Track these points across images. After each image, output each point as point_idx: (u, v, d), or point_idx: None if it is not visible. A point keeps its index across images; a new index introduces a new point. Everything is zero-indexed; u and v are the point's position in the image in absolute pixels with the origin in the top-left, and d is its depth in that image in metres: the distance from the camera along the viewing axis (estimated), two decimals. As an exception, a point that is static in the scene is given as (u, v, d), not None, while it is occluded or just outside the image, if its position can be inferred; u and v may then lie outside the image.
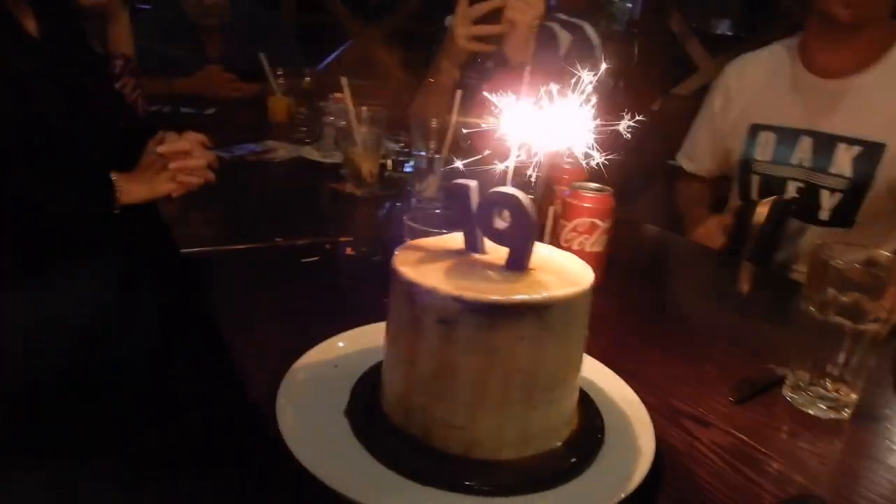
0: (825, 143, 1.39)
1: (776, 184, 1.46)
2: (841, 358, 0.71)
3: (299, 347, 0.69)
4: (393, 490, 0.53)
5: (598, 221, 0.95)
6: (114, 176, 1.17)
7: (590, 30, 1.88)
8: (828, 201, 1.39)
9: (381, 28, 3.94)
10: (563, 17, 1.89)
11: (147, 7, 2.91)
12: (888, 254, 0.74)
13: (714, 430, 0.68)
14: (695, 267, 1.33)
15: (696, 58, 4.33)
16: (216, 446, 0.74)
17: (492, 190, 0.57)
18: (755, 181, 1.51)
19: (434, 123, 1.33)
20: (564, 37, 1.85)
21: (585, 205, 0.94)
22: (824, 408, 0.73)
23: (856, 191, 1.36)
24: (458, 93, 1.31)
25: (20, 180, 1.12)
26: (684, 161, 1.73)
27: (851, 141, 1.36)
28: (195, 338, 0.87)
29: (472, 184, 0.60)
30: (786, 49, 1.50)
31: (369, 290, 0.94)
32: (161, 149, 1.22)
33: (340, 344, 0.72)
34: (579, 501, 0.54)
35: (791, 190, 1.44)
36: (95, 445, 0.84)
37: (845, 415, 0.73)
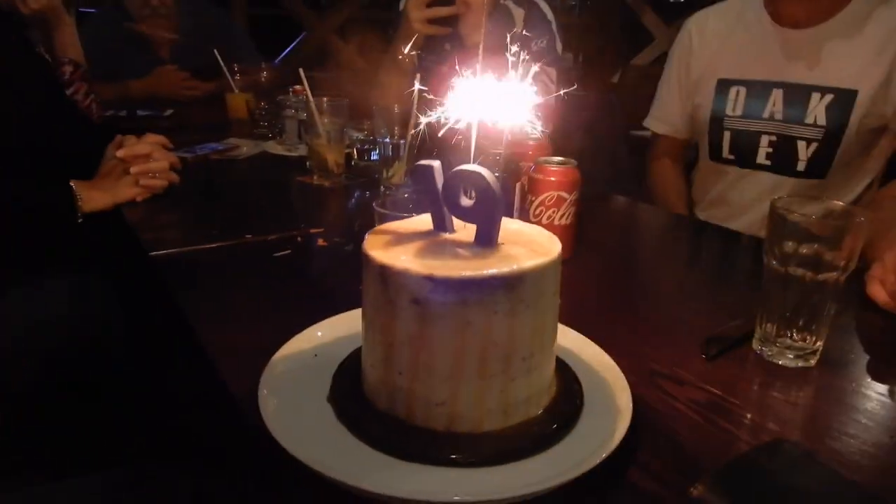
0: (797, 94, 1.38)
1: (749, 139, 1.45)
2: (804, 308, 0.74)
3: (278, 340, 0.70)
4: (381, 469, 0.54)
5: (564, 194, 0.96)
6: (74, 184, 1.15)
7: (543, 5, 1.89)
8: (804, 152, 1.39)
9: (336, 18, 3.89)
10: None
11: (92, 10, 2.84)
12: (843, 204, 0.76)
13: (689, 387, 0.71)
14: (661, 232, 1.36)
15: (651, 27, 4.37)
16: (203, 444, 0.74)
17: (456, 168, 0.58)
18: (727, 137, 1.49)
19: (396, 109, 1.33)
20: (518, 13, 1.85)
21: (551, 178, 0.95)
22: (792, 357, 0.75)
23: (830, 139, 1.36)
24: (418, 76, 1.31)
25: None
26: (654, 123, 1.70)
27: (824, 90, 1.35)
28: (171, 340, 0.87)
29: (436, 163, 0.60)
30: (748, 2, 1.48)
31: (344, 280, 0.95)
32: (121, 153, 1.20)
33: (318, 333, 0.73)
34: (563, 465, 0.55)
35: (764, 143, 1.43)
36: (85, 450, 0.84)
37: (812, 362, 0.75)
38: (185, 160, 1.36)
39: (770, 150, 1.43)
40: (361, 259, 0.59)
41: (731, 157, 1.50)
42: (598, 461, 0.54)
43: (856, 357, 0.79)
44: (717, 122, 1.51)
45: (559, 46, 1.87)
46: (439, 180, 0.60)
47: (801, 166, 1.41)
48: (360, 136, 1.54)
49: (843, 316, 0.84)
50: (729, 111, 1.48)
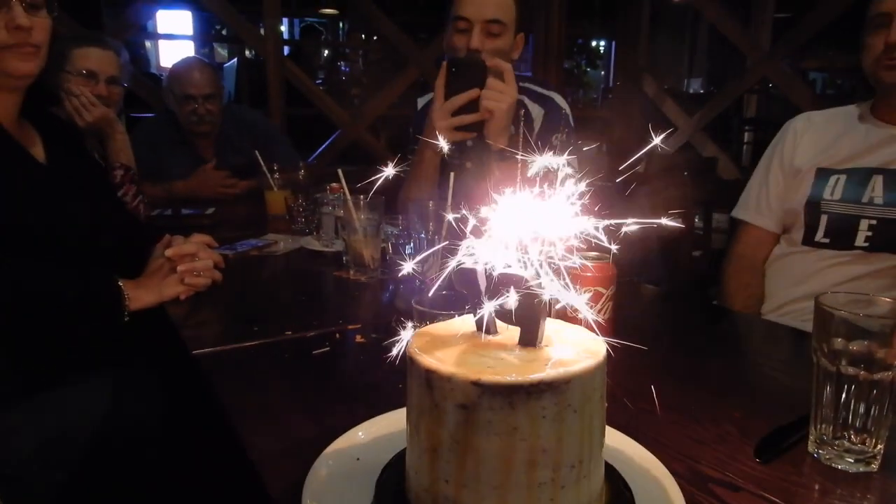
0: None
1: (848, 222, 1.48)
2: (861, 408, 0.71)
3: (320, 440, 0.69)
4: (428, 586, 0.52)
5: (601, 289, 0.96)
6: (121, 283, 1.19)
7: (558, 98, 1.94)
8: None
9: (368, 115, 4.08)
10: (533, 87, 1.95)
11: (147, 115, 3.03)
12: (890, 300, 0.75)
13: (744, 493, 0.67)
14: (699, 324, 1.34)
15: (672, 117, 4.48)
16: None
17: (500, 272, 0.59)
18: (824, 220, 1.51)
19: (431, 206, 1.36)
20: (537, 111, 1.90)
21: (587, 274, 0.96)
22: (851, 461, 0.72)
23: None
24: (452, 175, 1.36)
25: (33, 294, 1.13)
26: (745, 213, 1.71)
27: None
28: (213, 439, 0.87)
29: (479, 266, 0.62)
30: (856, 108, 1.58)
31: (383, 377, 0.95)
32: (168, 252, 1.25)
33: (360, 434, 0.72)
34: (618, 581, 0.53)
35: (863, 227, 1.46)
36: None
37: (874, 466, 0.72)
38: (226, 257, 1.40)
39: (869, 233, 1.45)
40: (407, 361, 0.59)
41: (826, 240, 1.51)
42: (655, 578, 0.52)
43: (919, 459, 0.75)
44: (814, 205, 1.53)
45: (581, 141, 1.93)
46: (482, 283, 0.61)
47: None
48: (395, 230, 1.58)
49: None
50: (827, 195, 1.51)
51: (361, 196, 1.48)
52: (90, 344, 1.20)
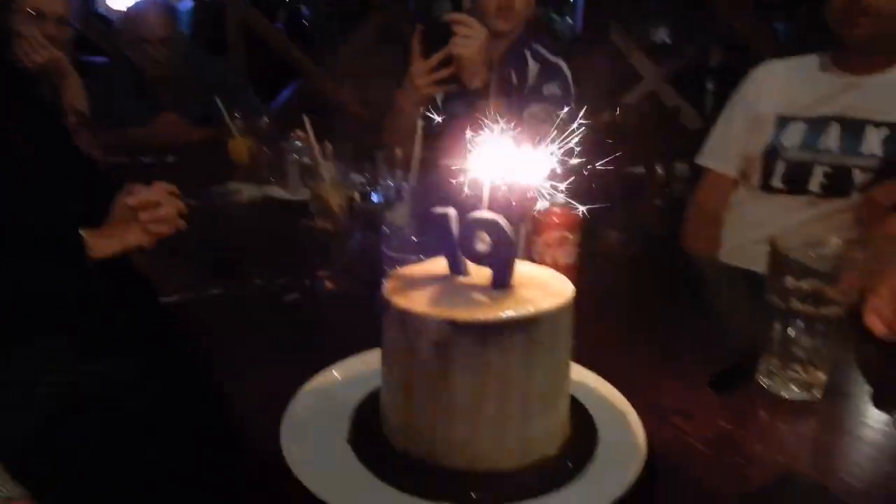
0: (854, 128, 1.48)
1: (803, 168, 1.53)
2: (806, 342, 0.76)
3: (294, 383, 0.71)
4: (404, 511, 0.55)
5: (567, 234, 0.99)
6: (83, 232, 1.17)
7: (563, 64, 2.00)
8: (860, 179, 1.46)
9: (333, 64, 3.98)
10: (541, 50, 2.01)
11: (99, 60, 2.90)
12: (839, 241, 0.79)
13: (699, 421, 0.72)
14: (660, 268, 1.39)
15: (640, 67, 4.48)
16: (228, 492, 0.74)
17: (471, 216, 0.61)
18: (781, 166, 1.57)
19: (399, 153, 1.36)
20: (532, 65, 1.96)
21: (555, 220, 0.98)
22: (796, 390, 0.77)
23: (886, 169, 1.43)
24: (420, 124, 1.35)
25: None
26: (709, 160, 1.75)
27: (878, 124, 1.46)
28: (189, 385, 0.88)
29: (451, 211, 0.63)
30: (818, 57, 1.61)
31: (354, 321, 0.96)
32: (131, 201, 1.22)
33: (336, 374, 0.74)
34: (581, 503, 0.57)
35: (818, 173, 1.51)
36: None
37: (817, 395, 0.77)
38: (189, 205, 1.38)
39: (823, 179, 1.51)
40: (381, 304, 0.61)
41: (782, 185, 1.56)
42: (614, 499, 0.56)
43: (858, 389, 0.81)
44: (772, 152, 1.58)
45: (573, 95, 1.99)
46: (455, 227, 0.63)
47: (855, 194, 1.47)
48: (362, 179, 1.58)
49: (845, 348, 0.86)
50: (786, 142, 1.57)
51: (328, 143, 1.46)
52: (54, 297, 1.18)
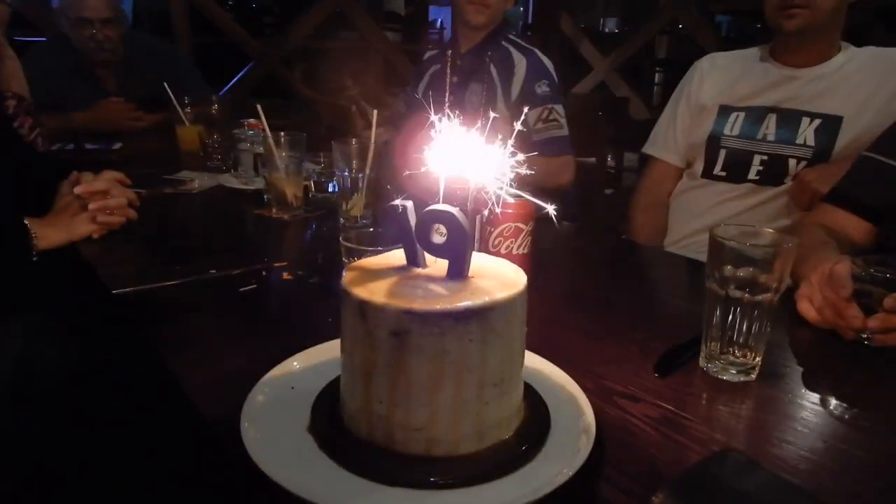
0: (789, 118, 1.56)
1: (743, 156, 1.60)
2: (744, 327, 0.81)
3: (252, 374, 0.72)
4: (364, 494, 0.57)
5: (521, 225, 1.02)
6: (28, 221, 1.14)
7: (542, 55, 2.06)
8: (795, 168, 1.54)
9: (282, 47, 3.91)
10: (517, 40, 2.08)
11: (38, 40, 2.78)
12: (773, 232, 0.84)
13: (644, 403, 0.76)
14: (608, 257, 1.44)
15: (589, 57, 4.56)
16: (186, 483, 0.75)
17: (428, 208, 0.62)
18: (722, 155, 1.64)
19: (354, 143, 1.36)
20: (519, 58, 2.02)
21: (508, 211, 1.01)
22: (735, 372, 0.82)
23: (819, 158, 1.51)
24: (374, 112, 1.36)
25: None
26: (655, 149, 1.82)
27: (812, 115, 1.53)
28: (144, 379, 0.87)
29: (409, 203, 0.65)
30: (757, 50, 1.69)
31: (311, 311, 0.97)
32: (78, 189, 1.19)
33: (295, 364, 0.75)
34: (532, 484, 0.59)
35: (756, 162, 1.58)
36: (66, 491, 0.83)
37: (753, 377, 0.82)
38: (140, 195, 1.35)
39: (761, 167, 1.58)
40: (341, 293, 0.62)
41: (723, 173, 1.62)
42: (566, 478, 0.59)
43: (791, 370, 0.87)
44: (714, 140, 1.65)
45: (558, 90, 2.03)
46: (412, 219, 0.64)
47: (789, 181, 1.54)
48: (317, 168, 1.57)
49: (778, 332, 0.91)
50: (727, 131, 1.63)
51: (282, 133, 1.46)
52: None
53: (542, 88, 1.99)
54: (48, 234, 1.15)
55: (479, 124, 0.65)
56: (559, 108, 2.01)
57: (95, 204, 1.20)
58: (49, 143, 1.85)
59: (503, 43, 2.04)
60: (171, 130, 2.03)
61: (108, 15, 2.33)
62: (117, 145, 2.06)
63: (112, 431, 0.92)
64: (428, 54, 2.30)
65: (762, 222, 1.52)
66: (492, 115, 0.68)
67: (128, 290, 0.99)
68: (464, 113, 0.69)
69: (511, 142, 0.65)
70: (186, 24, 3.56)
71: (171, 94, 1.99)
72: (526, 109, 1.21)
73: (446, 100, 2.01)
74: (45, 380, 1.07)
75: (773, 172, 1.56)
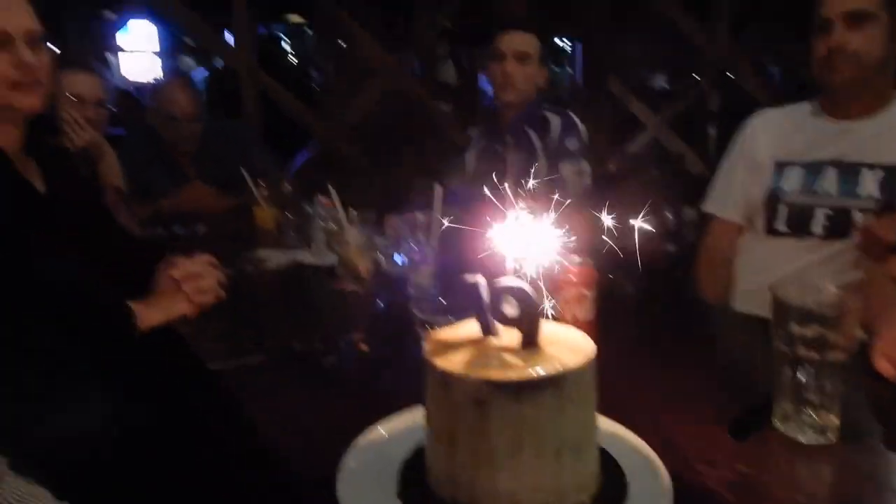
0: (850, 171, 1.56)
1: (805, 211, 1.59)
2: (816, 386, 0.81)
3: (342, 441, 0.77)
4: (454, 558, 0.61)
5: (584, 291, 1.06)
6: (131, 304, 1.25)
7: (574, 116, 2.18)
8: (860, 221, 1.52)
9: (341, 123, 4.14)
10: (550, 106, 2.21)
11: (120, 132, 3.05)
12: (836, 288, 0.85)
13: (720, 467, 0.77)
14: (674, 318, 1.44)
15: (639, 115, 4.61)
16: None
17: (498, 283, 0.68)
18: (782, 211, 1.63)
19: (421, 217, 1.45)
20: (554, 119, 2.14)
21: (571, 278, 1.05)
22: (812, 434, 0.82)
23: (886, 209, 1.49)
24: (438, 189, 1.44)
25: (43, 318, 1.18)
26: (714, 206, 1.82)
27: (873, 166, 1.53)
28: (240, 446, 0.94)
29: (481, 279, 0.70)
30: (808, 105, 1.70)
31: (389, 380, 1.03)
32: (175, 273, 1.30)
33: (381, 431, 0.80)
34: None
35: (819, 216, 1.57)
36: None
37: (832, 438, 0.82)
38: (227, 275, 1.46)
39: (825, 222, 1.57)
40: (423, 365, 0.67)
41: (786, 229, 1.62)
42: (647, 540, 0.61)
43: (872, 429, 0.86)
44: (773, 196, 1.65)
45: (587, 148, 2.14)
46: (484, 293, 0.70)
47: (855, 234, 1.52)
48: (386, 241, 1.66)
49: (855, 391, 0.90)
50: (786, 186, 1.64)
51: (352, 209, 1.56)
52: (101, 364, 1.25)
53: (572, 144, 2.10)
54: (148, 314, 1.25)
55: (527, 194, 0.71)
56: (587, 167, 2.12)
57: (189, 285, 1.30)
58: (142, 229, 2.02)
59: (540, 112, 2.17)
60: (248, 211, 2.19)
61: (193, 111, 2.56)
62: (201, 227, 2.22)
63: (208, 497, 0.97)
64: (473, 130, 2.44)
65: (831, 276, 1.50)
66: (531, 183, 0.74)
67: (221, 365, 1.08)
68: (511, 182, 0.75)
69: (553, 201, 0.70)
70: (256, 106, 3.83)
71: (247, 177, 2.15)
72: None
73: (493, 172, 2.11)
74: (141, 448, 1.16)
75: (838, 226, 1.55)
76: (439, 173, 2.29)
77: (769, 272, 1.64)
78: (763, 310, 1.54)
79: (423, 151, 4.64)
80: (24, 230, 1.23)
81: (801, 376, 0.81)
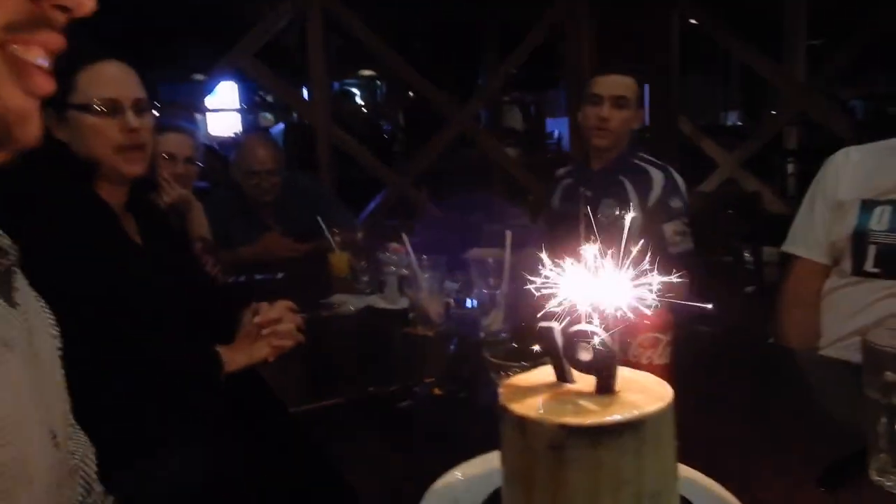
0: None
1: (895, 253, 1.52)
2: (915, 436, 0.77)
3: (420, 485, 0.78)
4: None
5: (659, 335, 1.04)
6: (218, 348, 1.32)
7: (674, 172, 2.16)
8: None
9: (411, 171, 4.26)
10: (650, 158, 2.21)
11: (201, 185, 3.25)
12: (932, 334, 0.81)
13: (811, 520, 0.73)
14: (755, 363, 1.39)
15: (712, 154, 4.51)
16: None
17: (573, 329, 0.69)
18: (872, 251, 1.56)
19: (491, 261, 1.47)
20: (657, 176, 2.13)
21: (646, 321, 1.04)
22: (912, 487, 0.77)
23: None
24: (509, 234, 1.47)
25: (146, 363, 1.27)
26: (796, 247, 1.76)
27: None
28: (322, 488, 0.97)
29: (556, 325, 0.71)
30: (894, 141, 1.64)
31: (463, 424, 1.04)
32: (257, 319, 1.38)
33: (458, 475, 0.81)
34: None
35: None
36: None
37: (935, 492, 0.77)
38: (305, 319, 1.52)
39: None
40: (499, 410, 0.68)
41: (877, 270, 1.55)
42: None
43: (979, 484, 0.80)
44: (861, 236, 1.58)
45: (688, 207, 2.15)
46: (559, 339, 0.71)
47: None
48: (456, 285, 1.69)
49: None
50: (874, 226, 1.56)
51: (424, 256, 1.60)
52: (191, 406, 1.32)
53: (676, 203, 2.07)
54: (234, 358, 1.33)
55: (613, 239, 0.72)
56: (688, 225, 2.09)
57: (270, 330, 1.37)
58: (225, 276, 2.14)
59: (636, 161, 2.15)
60: (323, 258, 2.27)
61: (273, 166, 2.71)
62: (280, 275, 2.32)
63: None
64: (561, 170, 2.45)
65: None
66: (627, 221, 0.74)
67: (301, 408, 1.12)
68: (597, 225, 0.76)
69: (648, 255, 0.70)
70: (329, 159, 4.00)
71: (323, 225, 2.25)
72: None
73: (580, 213, 2.10)
74: (227, 489, 1.21)
75: None
76: (510, 217, 2.33)
77: (859, 315, 1.56)
78: (852, 355, 1.47)
79: (490, 195, 4.71)
80: (126, 277, 1.33)
81: (898, 426, 0.77)
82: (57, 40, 0.52)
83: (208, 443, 1.28)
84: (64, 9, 0.51)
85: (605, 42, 4.35)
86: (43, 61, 0.52)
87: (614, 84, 2.15)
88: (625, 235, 0.70)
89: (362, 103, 9.06)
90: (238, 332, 1.42)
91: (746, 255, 3.34)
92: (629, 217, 0.74)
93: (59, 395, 0.72)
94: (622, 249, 0.70)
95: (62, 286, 1.12)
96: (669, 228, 2.01)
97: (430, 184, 4.80)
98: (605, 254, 0.71)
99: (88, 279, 1.20)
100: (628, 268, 0.71)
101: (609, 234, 0.72)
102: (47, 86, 0.53)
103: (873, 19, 3.57)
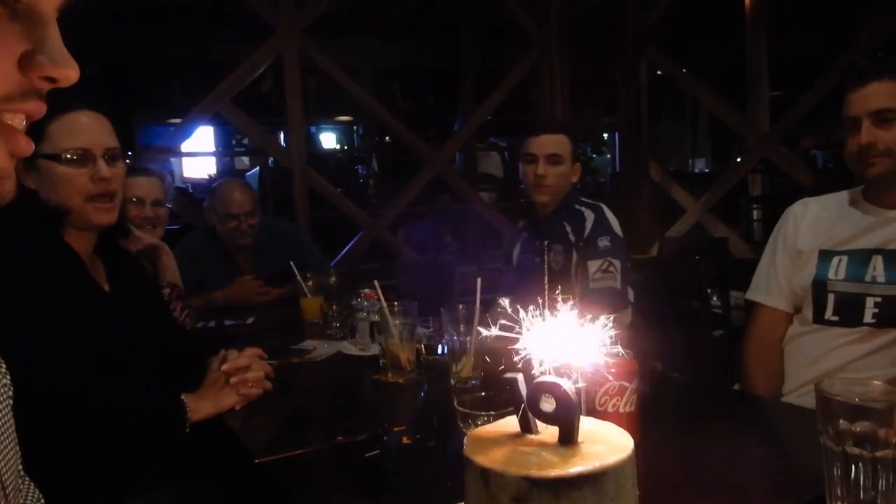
0: None
1: (854, 300, 1.57)
2: (870, 484, 0.79)
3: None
4: None
5: (625, 384, 1.06)
6: (184, 397, 1.30)
7: (607, 210, 2.24)
8: None
9: (387, 215, 4.28)
10: (585, 199, 2.29)
11: (174, 227, 3.23)
12: (883, 384, 0.84)
13: (772, 569, 0.74)
14: (720, 410, 1.41)
15: (681, 200, 4.63)
16: None
17: (538, 380, 0.70)
18: (831, 299, 1.61)
19: (461, 308, 1.48)
20: (589, 215, 2.20)
21: (611, 370, 1.06)
22: (870, 534, 0.78)
23: None
24: (478, 281, 1.48)
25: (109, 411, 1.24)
26: (758, 295, 1.80)
27: None
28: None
29: (520, 376, 0.72)
30: (848, 193, 1.71)
31: (432, 474, 1.03)
32: (225, 367, 1.37)
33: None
34: None
35: (870, 304, 1.55)
36: None
37: (893, 539, 0.78)
38: (272, 366, 1.51)
39: (876, 310, 1.54)
40: (463, 461, 0.69)
41: (835, 318, 1.59)
42: None
43: (936, 531, 0.81)
44: (820, 285, 1.63)
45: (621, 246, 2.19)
46: (523, 390, 0.72)
47: None
48: (427, 332, 1.69)
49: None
50: (832, 276, 1.62)
51: (396, 302, 1.61)
52: (154, 457, 1.29)
53: (603, 242, 2.13)
54: (200, 406, 1.31)
55: (565, 283, 0.74)
56: (617, 263, 2.12)
57: (237, 378, 1.36)
58: (194, 322, 2.11)
59: (575, 206, 2.24)
60: (295, 302, 2.26)
61: (250, 208, 2.72)
62: (250, 319, 2.30)
63: None
64: (521, 224, 2.57)
65: (885, 366, 1.46)
66: (572, 264, 0.77)
67: (268, 458, 1.10)
68: (550, 274, 0.78)
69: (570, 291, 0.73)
70: (305, 203, 4.01)
71: (295, 270, 2.24)
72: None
73: (535, 265, 2.15)
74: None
75: (890, 314, 1.51)
76: (484, 262, 2.38)
77: (820, 362, 1.60)
78: (813, 402, 1.50)
79: (465, 241, 4.75)
80: (91, 324, 1.32)
81: (853, 474, 0.79)
82: (41, 108, 0.56)
83: (173, 493, 1.25)
84: (51, 79, 0.54)
85: (576, 89, 4.49)
86: (21, 123, 0.55)
87: (546, 143, 2.24)
88: (573, 278, 0.73)
89: (338, 146, 9.14)
90: (205, 379, 1.40)
91: (714, 299, 3.40)
92: (573, 259, 0.77)
93: (9, 446, 0.71)
94: (576, 294, 0.73)
95: (20, 334, 1.10)
96: (593, 266, 2.07)
97: (406, 228, 4.83)
98: (565, 302, 0.73)
99: (49, 327, 1.18)
100: (584, 316, 0.73)
101: (561, 279, 0.75)
102: (28, 148, 0.56)
103: (831, 73, 3.75)
